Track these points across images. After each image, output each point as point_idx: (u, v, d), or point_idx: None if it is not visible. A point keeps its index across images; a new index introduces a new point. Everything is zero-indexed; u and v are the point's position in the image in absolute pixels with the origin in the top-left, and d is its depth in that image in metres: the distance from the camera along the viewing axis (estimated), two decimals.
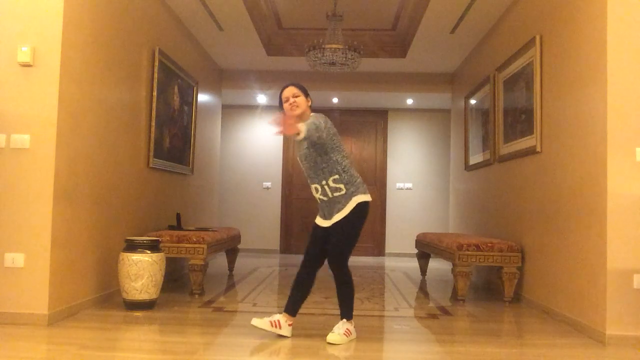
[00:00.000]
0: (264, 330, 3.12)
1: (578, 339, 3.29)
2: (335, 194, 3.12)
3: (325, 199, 3.15)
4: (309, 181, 3.22)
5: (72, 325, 3.27)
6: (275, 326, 3.13)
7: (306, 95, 3.22)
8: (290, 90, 3.19)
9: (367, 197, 3.16)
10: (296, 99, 3.16)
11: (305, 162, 3.17)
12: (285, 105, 3.19)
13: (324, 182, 3.12)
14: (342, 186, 3.11)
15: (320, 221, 3.25)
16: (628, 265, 3.17)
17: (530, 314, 4.05)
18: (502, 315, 4.07)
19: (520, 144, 4.61)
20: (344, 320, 3.18)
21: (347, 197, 3.11)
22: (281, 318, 3.16)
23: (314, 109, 3.28)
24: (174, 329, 3.36)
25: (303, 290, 3.24)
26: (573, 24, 3.71)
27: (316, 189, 3.16)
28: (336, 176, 3.11)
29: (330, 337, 3.06)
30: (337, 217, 3.13)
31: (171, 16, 5.37)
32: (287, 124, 2.85)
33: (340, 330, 3.10)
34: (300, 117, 3.16)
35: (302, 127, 2.89)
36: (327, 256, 3.19)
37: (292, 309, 3.20)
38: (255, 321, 3.13)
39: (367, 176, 8.61)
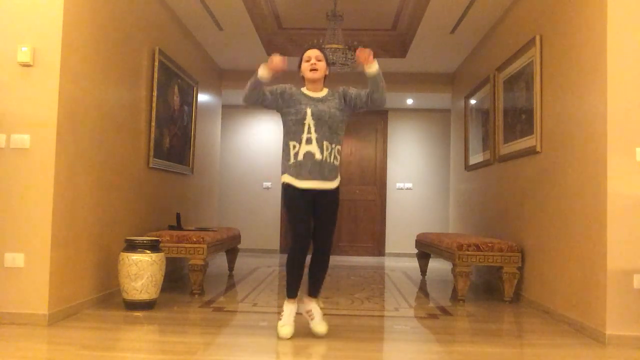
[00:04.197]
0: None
1: (578, 339, 3.29)
2: (335, 163, 3.20)
3: (329, 162, 3.15)
4: (316, 136, 3.12)
5: (72, 325, 3.27)
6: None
7: (327, 63, 3.30)
8: (315, 52, 3.25)
9: None
10: (318, 62, 3.22)
11: (330, 120, 3.16)
12: (305, 65, 3.24)
13: (334, 146, 3.18)
14: (339, 159, 3.24)
15: (310, 183, 3.12)
16: (628, 265, 3.17)
17: (530, 314, 4.04)
18: (502, 315, 4.07)
19: (520, 144, 4.61)
20: (318, 299, 3.27)
21: (338, 172, 3.24)
22: (294, 307, 3.21)
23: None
24: (174, 329, 3.36)
25: (303, 267, 3.20)
26: (573, 24, 3.71)
27: (327, 147, 3.14)
28: (339, 147, 3.23)
29: (323, 328, 3.15)
30: (332, 184, 3.18)
31: (171, 16, 5.36)
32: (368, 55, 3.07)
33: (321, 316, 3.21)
34: (316, 83, 3.25)
35: (376, 65, 3.10)
36: (323, 235, 3.18)
37: (297, 291, 3.21)
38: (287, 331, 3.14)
39: (367, 176, 8.61)
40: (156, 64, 4.81)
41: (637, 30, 3.23)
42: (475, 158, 6.11)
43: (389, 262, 7.68)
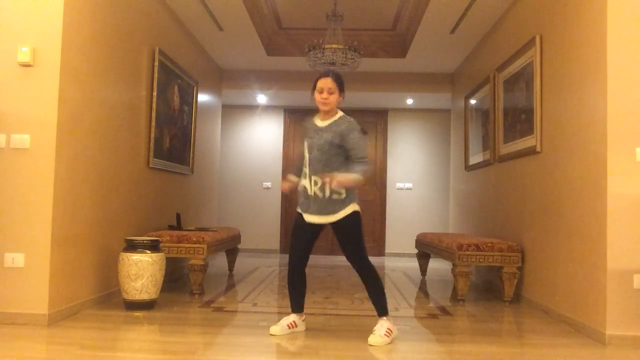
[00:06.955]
0: (284, 335, 3.19)
1: (578, 339, 3.29)
2: (334, 196, 3.09)
3: (320, 195, 3.09)
4: (308, 171, 3.11)
5: (72, 325, 3.27)
6: (293, 327, 3.24)
7: (341, 91, 3.17)
8: (327, 83, 3.10)
9: (358, 207, 3.19)
10: (329, 96, 3.10)
11: (318, 152, 3.09)
12: (317, 96, 3.14)
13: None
14: (342, 191, 3.10)
15: (307, 217, 3.15)
16: (628, 265, 3.17)
17: (530, 314, 4.04)
18: (502, 315, 4.07)
19: (520, 144, 4.61)
20: (384, 318, 3.17)
21: (345, 204, 3.11)
22: (295, 318, 3.27)
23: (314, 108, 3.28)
24: (174, 329, 3.36)
25: (301, 285, 3.31)
26: (573, 24, 3.71)
27: (315, 182, 3.09)
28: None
29: (372, 339, 3.04)
30: (330, 218, 3.11)
31: (171, 16, 5.36)
32: (337, 183, 2.98)
33: (381, 332, 3.07)
34: (327, 113, 3.17)
35: (359, 177, 3.05)
36: (347, 256, 3.20)
37: (298, 306, 3.30)
38: (274, 330, 3.18)
39: (367, 176, 8.61)
40: (156, 64, 4.81)
41: (637, 30, 3.23)
42: (475, 158, 6.11)
43: (389, 262, 7.68)
